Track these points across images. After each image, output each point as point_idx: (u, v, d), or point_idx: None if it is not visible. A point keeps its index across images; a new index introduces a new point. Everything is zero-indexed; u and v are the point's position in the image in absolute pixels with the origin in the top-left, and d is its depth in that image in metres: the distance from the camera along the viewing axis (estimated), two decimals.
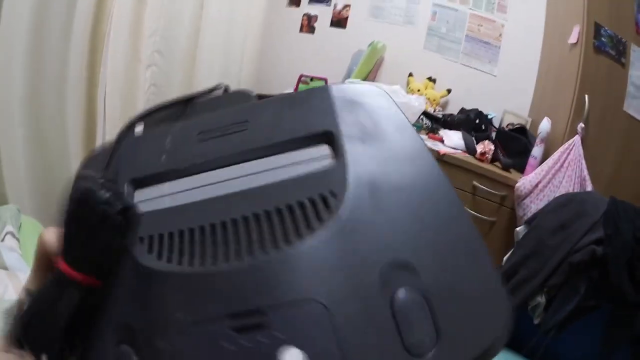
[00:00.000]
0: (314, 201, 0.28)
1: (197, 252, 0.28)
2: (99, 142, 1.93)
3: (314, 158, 0.32)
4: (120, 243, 0.29)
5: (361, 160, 0.30)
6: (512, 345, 1.38)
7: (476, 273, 0.28)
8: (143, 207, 0.31)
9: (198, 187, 0.32)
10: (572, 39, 1.93)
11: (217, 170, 0.32)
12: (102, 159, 0.36)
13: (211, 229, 0.28)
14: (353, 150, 0.31)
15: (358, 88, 0.37)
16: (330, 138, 0.32)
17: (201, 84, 2.50)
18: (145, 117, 0.39)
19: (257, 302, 0.25)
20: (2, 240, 1.30)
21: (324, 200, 0.28)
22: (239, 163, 0.32)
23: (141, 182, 0.33)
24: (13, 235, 1.33)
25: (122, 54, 2.01)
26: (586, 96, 1.80)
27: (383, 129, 0.34)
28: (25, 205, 1.74)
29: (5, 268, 1.17)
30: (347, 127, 0.32)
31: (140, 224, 0.30)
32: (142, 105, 2.18)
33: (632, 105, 1.86)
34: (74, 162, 1.87)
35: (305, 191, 0.29)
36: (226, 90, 0.50)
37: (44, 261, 0.32)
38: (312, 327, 0.24)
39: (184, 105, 0.43)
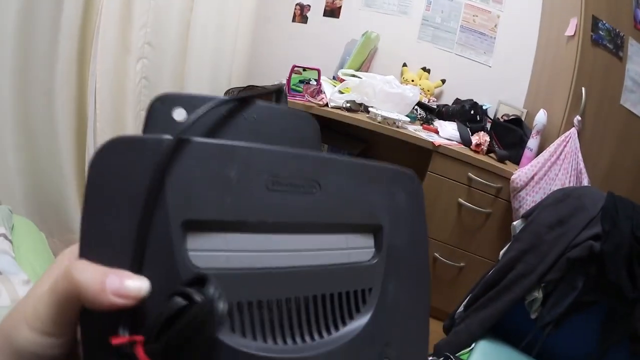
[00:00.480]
0: (357, 293, 0.31)
1: (270, 330, 0.28)
2: (89, 138, 1.90)
3: (363, 247, 0.33)
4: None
5: (394, 264, 0.33)
6: (509, 340, 1.38)
7: None
8: (197, 261, 0.27)
9: (258, 252, 0.30)
10: (569, 31, 1.92)
11: (279, 235, 0.30)
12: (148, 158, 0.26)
13: (276, 305, 0.28)
14: (394, 249, 0.33)
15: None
16: (379, 232, 0.33)
17: (193, 76, 2.49)
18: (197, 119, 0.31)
19: None
20: None
21: (362, 294, 0.31)
22: (301, 233, 0.31)
23: (197, 227, 0.27)
24: (5, 237, 1.30)
25: (112, 48, 1.98)
26: (583, 89, 1.79)
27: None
28: (17, 205, 1.72)
29: None
30: (392, 224, 0.34)
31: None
32: (133, 99, 2.14)
33: (630, 99, 1.86)
34: (65, 159, 1.84)
35: (351, 283, 0.31)
36: (280, 90, 0.46)
37: (70, 301, 0.24)
38: None
39: (241, 104, 0.37)
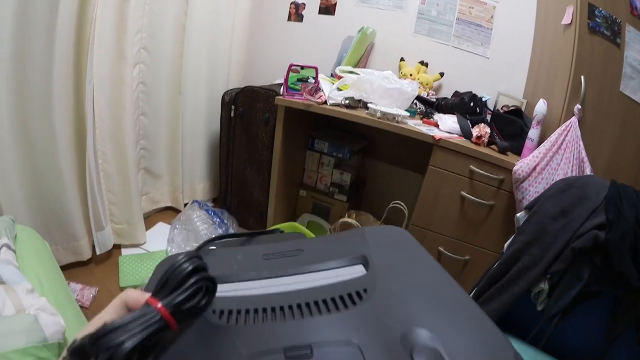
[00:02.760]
0: (352, 294, 0.39)
1: (262, 318, 0.38)
2: (89, 145, 1.90)
3: (353, 272, 0.43)
4: (206, 302, 0.38)
5: (385, 271, 0.42)
6: (516, 333, 1.38)
7: (477, 329, 0.36)
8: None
9: (263, 287, 0.42)
10: (566, 19, 1.91)
11: (279, 278, 0.43)
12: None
13: (275, 310, 0.38)
14: (380, 265, 0.43)
15: (381, 229, 0.51)
16: (365, 260, 0.44)
17: (190, 79, 2.49)
18: (217, 240, 0.51)
19: (308, 340, 0.33)
20: None
21: (358, 294, 0.39)
22: (296, 275, 0.43)
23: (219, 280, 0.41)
24: (8, 247, 1.30)
25: (108, 54, 1.99)
26: (582, 77, 1.78)
27: (399, 248, 0.48)
28: (20, 214, 1.72)
29: (2, 282, 1.14)
30: (375, 253, 0.45)
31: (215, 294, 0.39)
32: (131, 104, 2.15)
33: (629, 86, 1.85)
34: (65, 167, 1.84)
35: (347, 288, 0.40)
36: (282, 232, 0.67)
37: (122, 307, 0.40)
38: (348, 354, 0.31)
39: (249, 237, 0.57)
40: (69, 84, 1.78)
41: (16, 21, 1.54)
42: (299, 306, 0.38)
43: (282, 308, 0.38)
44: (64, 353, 0.34)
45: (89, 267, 2.11)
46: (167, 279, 0.38)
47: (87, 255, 2.08)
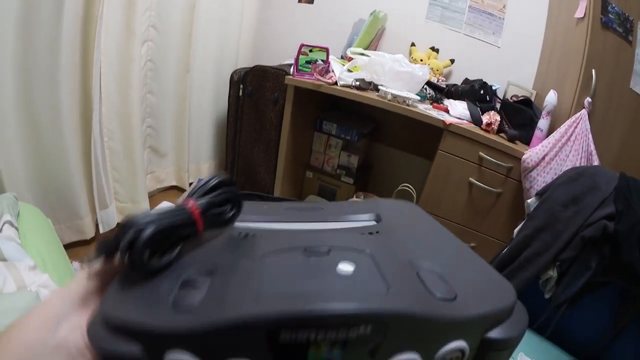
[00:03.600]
0: (365, 233, 0.41)
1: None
2: (95, 123, 1.89)
3: (367, 220, 0.46)
4: (232, 215, 0.40)
5: (395, 224, 0.45)
6: None
7: (476, 266, 0.38)
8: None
9: (287, 224, 0.45)
10: (579, 13, 1.91)
11: (302, 223, 0.45)
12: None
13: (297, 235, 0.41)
14: (391, 221, 0.46)
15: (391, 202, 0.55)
16: (378, 216, 0.47)
17: (198, 58, 2.48)
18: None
19: (327, 243, 0.35)
20: (0, 230, 1.27)
21: (371, 234, 0.41)
22: (316, 222, 0.46)
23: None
24: (11, 224, 1.30)
25: (117, 31, 1.98)
26: (593, 71, 1.79)
27: (411, 214, 0.51)
28: (23, 192, 1.71)
29: (4, 259, 1.14)
30: (387, 213, 0.48)
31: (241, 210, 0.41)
32: (138, 82, 2.14)
33: (639, 83, 1.86)
34: (70, 145, 1.83)
35: (362, 230, 0.43)
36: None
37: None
38: (362, 258, 0.33)
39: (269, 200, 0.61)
40: (76, 59, 1.76)
41: None
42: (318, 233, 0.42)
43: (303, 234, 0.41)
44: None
45: (92, 246, 2.08)
46: (199, 187, 0.40)
47: (90, 234, 2.08)
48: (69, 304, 0.31)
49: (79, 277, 0.34)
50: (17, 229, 1.33)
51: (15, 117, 1.65)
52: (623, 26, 1.83)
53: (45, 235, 1.46)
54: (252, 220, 0.44)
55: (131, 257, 0.31)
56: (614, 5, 1.83)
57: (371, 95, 2.04)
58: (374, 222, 0.45)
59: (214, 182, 0.40)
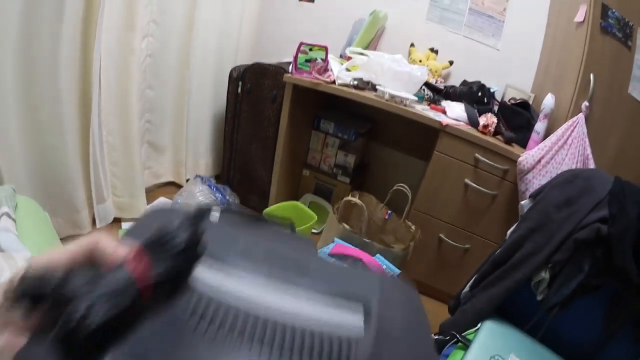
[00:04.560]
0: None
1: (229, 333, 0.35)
2: (94, 117, 1.89)
3: (348, 322, 0.40)
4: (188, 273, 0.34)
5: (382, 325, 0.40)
6: (515, 321, 1.40)
7: None
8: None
9: (250, 290, 0.39)
10: (579, 17, 1.91)
11: (271, 292, 0.40)
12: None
13: (246, 328, 0.36)
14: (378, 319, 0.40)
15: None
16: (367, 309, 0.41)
17: (198, 54, 2.47)
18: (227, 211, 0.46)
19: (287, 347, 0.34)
20: None
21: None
22: (289, 296, 0.40)
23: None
24: (9, 216, 1.29)
25: (117, 25, 1.96)
26: (591, 75, 1.79)
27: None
28: (21, 184, 1.70)
29: (1, 250, 1.14)
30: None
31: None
32: (138, 77, 2.14)
33: (637, 88, 1.85)
34: (69, 139, 1.83)
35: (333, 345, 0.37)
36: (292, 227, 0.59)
37: (85, 252, 0.34)
38: None
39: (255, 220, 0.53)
40: (76, 53, 1.76)
41: None
42: (272, 337, 0.35)
43: (254, 326, 0.35)
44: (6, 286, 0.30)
45: None
46: (157, 243, 0.32)
47: (87, 228, 2.07)
48: None
49: None
50: (14, 220, 1.32)
51: (15, 110, 1.64)
52: (623, 31, 1.84)
53: (43, 228, 1.45)
54: (215, 270, 0.38)
55: (66, 349, 0.26)
56: (614, 10, 1.83)
57: (369, 94, 2.05)
58: (358, 325, 0.40)
59: (179, 246, 0.32)
